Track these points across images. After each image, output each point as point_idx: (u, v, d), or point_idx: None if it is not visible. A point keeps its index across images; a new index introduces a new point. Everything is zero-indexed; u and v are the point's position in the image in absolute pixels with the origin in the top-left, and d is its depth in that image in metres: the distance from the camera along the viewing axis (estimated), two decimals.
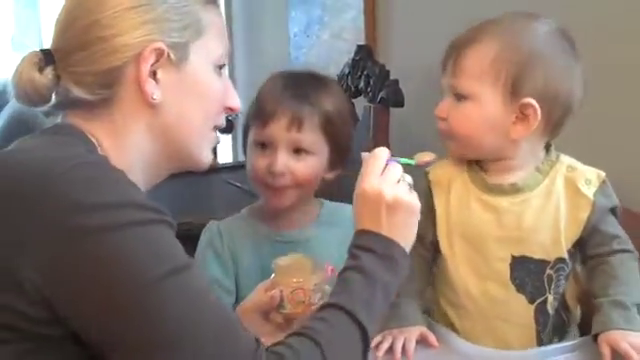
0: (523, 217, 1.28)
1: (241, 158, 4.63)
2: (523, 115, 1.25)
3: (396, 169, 1.19)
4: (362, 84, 2.33)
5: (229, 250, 1.58)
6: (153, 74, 1.09)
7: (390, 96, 2.20)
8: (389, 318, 1.26)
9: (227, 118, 3.12)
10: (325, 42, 3.12)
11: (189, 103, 1.14)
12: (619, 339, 1.17)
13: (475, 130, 1.28)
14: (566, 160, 1.31)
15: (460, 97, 1.29)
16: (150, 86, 1.09)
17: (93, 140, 1.09)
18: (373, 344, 1.19)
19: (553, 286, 1.29)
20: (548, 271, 1.28)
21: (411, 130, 2.42)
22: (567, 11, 1.88)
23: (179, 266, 0.99)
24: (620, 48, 1.74)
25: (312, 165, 1.52)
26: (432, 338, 1.26)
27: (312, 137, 1.51)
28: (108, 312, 0.94)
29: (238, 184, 3.00)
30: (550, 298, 1.29)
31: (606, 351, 1.17)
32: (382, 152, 1.22)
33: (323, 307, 1.12)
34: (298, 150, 1.51)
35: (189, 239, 2.48)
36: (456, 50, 1.31)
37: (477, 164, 1.33)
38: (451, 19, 2.34)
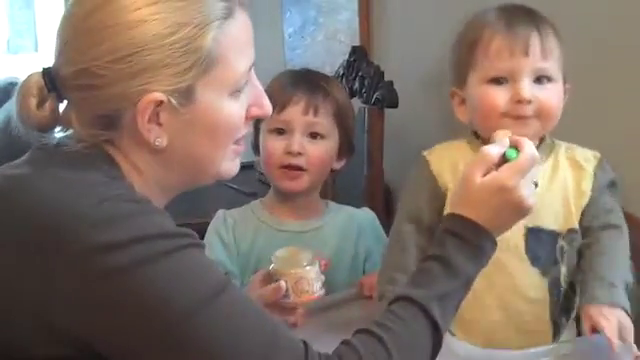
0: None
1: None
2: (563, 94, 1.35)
3: (537, 170, 1.18)
4: (357, 85, 2.33)
5: (233, 236, 1.65)
6: (155, 119, 1.03)
7: (385, 97, 2.20)
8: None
9: None
10: (320, 43, 3.13)
11: (201, 140, 1.07)
12: (597, 313, 1.20)
13: (559, 109, 1.33)
14: (563, 143, 1.39)
15: (544, 79, 1.31)
16: (152, 133, 1.03)
17: (117, 160, 1.06)
18: None
19: (566, 258, 1.32)
20: (560, 242, 1.32)
21: (406, 131, 2.43)
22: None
23: (216, 289, 0.96)
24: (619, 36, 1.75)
25: (325, 149, 1.63)
26: None
27: (326, 122, 1.62)
28: (150, 349, 0.93)
29: (236, 186, 3.00)
30: (563, 270, 1.32)
31: (587, 326, 1.21)
32: (528, 147, 1.17)
33: (397, 299, 1.09)
34: (313, 134, 1.61)
35: None
36: (537, 32, 1.31)
37: (480, 144, 1.33)
38: (445, 20, 2.34)
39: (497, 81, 1.30)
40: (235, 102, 1.08)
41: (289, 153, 1.59)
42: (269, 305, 1.31)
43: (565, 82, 1.35)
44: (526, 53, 1.29)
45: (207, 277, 0.98)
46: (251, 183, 2.42)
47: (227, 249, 1.63)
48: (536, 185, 1.17)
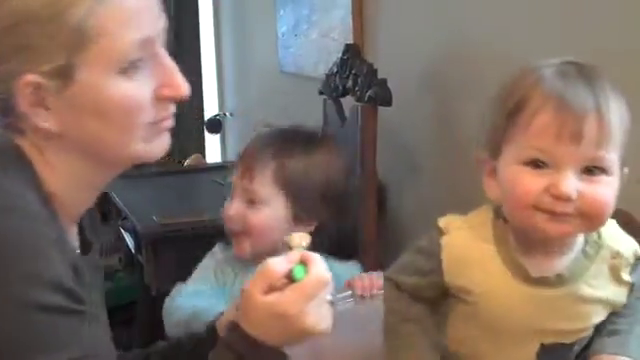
0: (564, 310, 1.14)
1: (229, 158, 4.62)
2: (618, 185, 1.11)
3: (330, 288, 1.06)
4: (350, 83, 2.33)
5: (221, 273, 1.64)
6: (41, 102, 0.96)
7: (378, 95, 2.19)
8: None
9: (215, 118, 3.14)
10: (313, 41, 3.12)
11: (93, 122, 0.99)
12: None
13: (611, 208, 1.08)
14: (607, 238, 1.15)
15: (597, 171, 1.06)
16: (39, 118, 0.97)
17: (29, 157, 1.00)
18: None
19: (580, 356, 1.20)
20: (575, 348, 1.18)
21: (399, 129, 2.42)
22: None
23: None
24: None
25: (263, 216, 1.56)
26: None
27: (262, 189, 1.55)
28: None
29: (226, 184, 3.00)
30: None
31: None
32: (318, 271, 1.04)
33: None
34: (252, 200, 1.56)
35: (178, 240, 2.49)
36: (597, 112, 1.04)
37: (508, 237, 1.14)
38: (439, 18, 2.35)
39: (535, 164, 1.05)
40: (128, 81, 0.98)
41: (227, 218, 1.59)
42: None
43: (623, 167, 1.10)
44: (577, 140, 1.03)
45: (63, 345, 0.91)
46: None
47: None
48: (332, 303, 1.06)
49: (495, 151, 1.11)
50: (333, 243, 1.67)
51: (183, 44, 4.18)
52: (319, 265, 1.03)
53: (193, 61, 4.23)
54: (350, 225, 1.74)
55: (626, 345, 1.15)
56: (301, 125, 1.70)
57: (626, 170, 1.10)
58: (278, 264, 1.02)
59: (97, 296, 1.12)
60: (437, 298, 1.18)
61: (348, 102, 2.37)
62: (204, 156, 4.18)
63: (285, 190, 1.56)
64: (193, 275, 1.67)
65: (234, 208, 1.57)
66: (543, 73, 1.09)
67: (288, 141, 1.61)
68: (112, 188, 3.27)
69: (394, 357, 1.17)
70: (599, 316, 1.15)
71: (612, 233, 1.16)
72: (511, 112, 1.08)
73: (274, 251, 1.56)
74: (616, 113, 1.06)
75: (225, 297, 1.59)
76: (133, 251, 2.87)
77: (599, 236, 1.14)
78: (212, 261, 1.66)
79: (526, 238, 1.11)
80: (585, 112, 1.03)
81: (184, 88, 1.04)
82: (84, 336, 0.94)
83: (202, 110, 4.31)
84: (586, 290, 1.13)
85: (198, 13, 4.22)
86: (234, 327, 1.03)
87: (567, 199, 1.03)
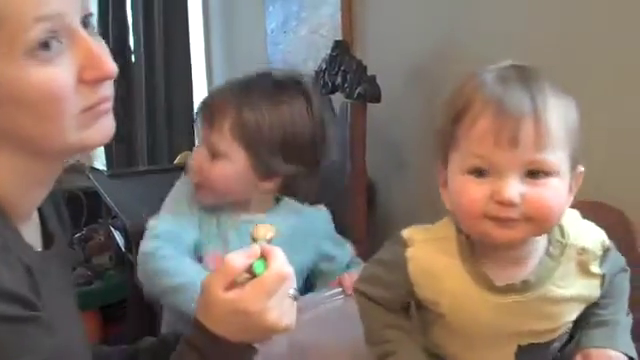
0: (535, 313, 1.14)
1: None
2: (572, 185, 1.10)
3: (292, 282, 1.04)
4: (339, 80, 2.32)
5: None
6: None
7: (367, 92, 2.19)
8: None
9: None
10: (302, 38, 3.12)
11: (17, 116, 0.93)
12: (594, 356, 1.13)
13: (559, 209, 1.07)
14: (571, 235, 1.14)
15: (540, 173, 1.05)
16: None
17: None
18: None
19: (558, 353, 1.21)
20: (555, 345, 1.19)
21: (388, 126, 2.42)
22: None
23: None
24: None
25: (223, 170, 1.52)
26: None
27: (223, 142, 1.51)
28: None
29: None
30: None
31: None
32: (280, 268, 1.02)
33: None
34: (212, 151, 1.52)
35: None
36: (533, 113, 1.03)
37: (473, 250, 1.13)
38: (428, 15, 2.35)
39: (478, 172, 1.05)
40: (42, 66, 0.91)
41: (189, 168, 1.55)
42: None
43: (576, 166, 1.09)
44: (514, 144, 1.02)
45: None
46: None
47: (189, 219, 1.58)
48: (295, 298, 1.04)
49: (444, 160, 1.11)
50: (310, 193, 1.65)
51: (172, 41, 4.17)
52: (279, 259, 1.02)
53: (182, 58, 4.22)
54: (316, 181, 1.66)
55: (614, 337, 1.16)
56: (274, 70, 1.61)
57: (581, 169, 1.10)
58: (237, 259, 1.01)
59: (65, 287, 1.11)
60: (408, 307, 1.19)
61: (337, 99, 2.37)
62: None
63: (243, 143, 1.50)
64: (165, 205, 1.61)
65: (196, 158, 1.54)
66: (484, 79, 1.08)
67: (252, 90, 1.53)
68: (102, 187, 3.27)
69: None
70: (573, 313, 1.15)
71: (576, 228, 1.15)
72: (454, 119, 1.07)
73: (241, 202, 1.57)
74: (557, 114, 1.04)
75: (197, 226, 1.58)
76: (123, 249, 2.87)
77: (562, 234, 1.13)
78: (184, 189, 1.61)
79: (487, 247, 1.10)
80: (521, 116, 1.02)
81: (109, 67, 0.96)
82: (42, 342, 0.92)
83: (192, 107, 4.29)
84: (555, 291, 1.12)
85: (187, 10, 4.22)
86: (195, 324, 1.02)
87: (510, 204, 1.02)
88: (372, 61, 2.34)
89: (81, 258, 3.59)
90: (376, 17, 2.62)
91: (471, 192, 1.05)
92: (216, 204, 1.57)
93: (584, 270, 1.14)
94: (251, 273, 1.01)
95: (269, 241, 1.07)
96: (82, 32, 0.95)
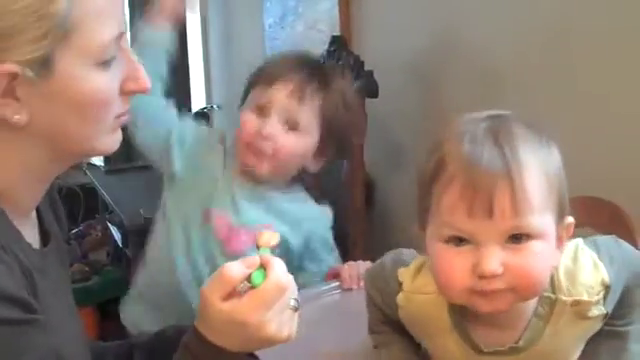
0: None
1: None
2: (561, 237, 1.01)
3: (293, 290, 1.00)
4: None
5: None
6: (11, 93, 0.91)
7: (365, 87, 2.19)
8: None
9: (203, 111, 3.10)
10: (300, 33, 3.11)
11: (67, 115, 0.96)
12: None
13: (544, 273, 1.00)
14: (563, 289, 1.04)
15: (523, 237, 0.96)
16: (9, 109, 0.92)
17: None
18: None
19: None
20: None
21: (385, 121, 2.42)
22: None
23: None
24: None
25: (299, 143, 1.50)
26: None
27: (308, 115, 1.49)
28: None
29: None
30: None
31: None
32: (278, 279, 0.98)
33: None
34: (291, 123, 1.49)
35: None
36: (508, 180, 0.94)
37: (461, 311, 1.07)
38: (425, 10, 2.34)
39: (457, 240, 0.97)
40: (104, 74, 0.96)
41: (259, 135, 1.48)
42: None
43: (564, 218, 1.00)
44: (489, 215, 0.94)
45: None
46: None
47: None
48: (296, 309, 1.00)
49: (423, 223, 1.02)
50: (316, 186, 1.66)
51: None
52: (278, 270, 0.98)
53: (180, 54, 4.21)
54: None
55: (623, 351, 1.11)
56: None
57: (570, 219, 1.01)
58: (235, 269, 0.98)
59: (62, 284, 1.10)
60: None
61: None
62: None
63: (324, 122, 1.50)
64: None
65: (272, 127, 1.48)
66: (456, 138, 0.98)
67: (331, 72, 1.55)
68: (99, 182, 3.26)
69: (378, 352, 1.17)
70: (574, 353, 1.10)
71: (571, 276, 1.05)
72: (429, 182, 0.99)
73: (283, 177, 1.56)
74: (535, 173, 0.96)
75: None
76: (120, 245, 2.87)
77: (553, 289, 1.04)
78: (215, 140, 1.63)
79: (474, 311, 1.03)
80: (494, 183, 0.93)
81: (146, 82, 1.03)
82: (41, 343, 0.92)
83: (189, 103, 4.29)
84: (548, 348, 1.06)
85: (185, 4, 4.21)
86: (195, 332, 1.00)
87: (493, 277, 0.95)
88: (369, 56, 2.34)
89: (78, 254, 3.59)
90: (373, 12, 2.62)
91: (453, 264, 0.97)
92: (270, 176, 1.55)
93: (581, 317, 1.05)
94: (250, 283, 0.98)
95: (273, 248, 1.06)
96: (128, 47, 1.01)
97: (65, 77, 0.93)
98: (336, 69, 1.59)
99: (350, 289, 1.47)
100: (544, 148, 0.98)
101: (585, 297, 1.03)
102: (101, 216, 3.71)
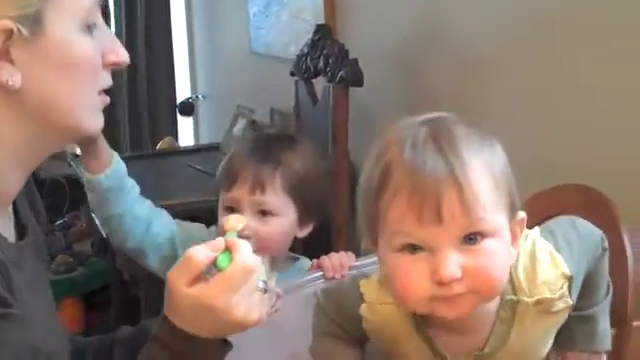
0: None
1: (202, 141, 4.59)
2: (514, 233, 1.00)
3: (260, 272, 0.99)
4: (321, 64, 2.31)
5: None
6: (6, 55, 0.92)
7: (349, 75, 2.18)
8: None
9: (188, 100, 3.11)
10: (284, 22, 3.10)
11: (57, 78, 0.96)
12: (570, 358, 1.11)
13: (504, 269, 0.98)
14: (523, 289, 1.03)
15: (478, 236, 0.95)
16: (3, 72, 0.92)
17: None
18: None
19: None
20: None
21: (371, 109, 2.42)
22: None
23: None
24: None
25: (277, 227, 1.51)
26: None
27: (276, 199, 1.51)
28: None
29: (199, 167, 2.98)
30: None
31: None
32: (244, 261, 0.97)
33: None
34: (263, 212, 1.50)
35: None
36: (453, 181, 0.92)
37: (424, 320, 1.06)
38: None
39: (412, 247, 0.95)
40: (89, 39, 0.97)
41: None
42: None
43: (515, 214, 0.99)
44: (438, 221, 0.92)
45: None
46: (215, 164, 2.38)
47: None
48: (265, 290, 0.99)
49: (373, 239, 1.00)
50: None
51: (154, 26, 4.15)
52: (244, 252, 0.97)
53: (164, 43, 4.19)
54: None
55: (594, 336, 1.12)
56: (271, 128, 1.69)
57: (522, 215, 1.00)
58: (201, 253, 0.97)
59: (39, 278, 1.09)
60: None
61: (319, 83, 2.36)
62: (177, 139, 4.15)
63: (294, 196, 1.52)
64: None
65: (249, 226, 1.51)
66: (394, 153, 0.96)
67: (278, 146, 1.56)
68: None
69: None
70: (545, 346, 1.10)
71: (530, 276, 1.03)
72: (375, 196, 0.96)
73: (281, 256, 1.57)
74: (481, 173, 0.94)
75: None
76: (105, 236, 2.85)
77: (514, 290, 1.03)
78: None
79: (437, 318, 1.02)
80: (440, 188, 0.91)
81: (125, 54, 1.02)
82: (16, 337, 0.91)
83: (174, 93, 4.27)
84: (516, 348, 1.05)
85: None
86: (163, 320, 0.98)
87: (452, 282, 0.93)
88: (354, 45, 2.33)
89: (63, 245, 3.57)
90: (358, 1, 2.61)
91: (410, 273, 0.95)
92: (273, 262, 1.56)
93: (547, 312, 1.04)
94: (216, 267, 0.97)
95: (241, 232, 1.05)
96: (102, 21, 1.01)
97: (56, 38, 0.94)
98: (284, 141, 1.59)
99: (333, 278, 1.47)
100: (487, 148, 0.97)
101: (547, 295, 1.03)
102: (85, 207, 3.69)
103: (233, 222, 1.05)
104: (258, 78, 3.37)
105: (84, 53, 0.96)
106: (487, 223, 0.94)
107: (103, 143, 1.52)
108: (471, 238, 0.94)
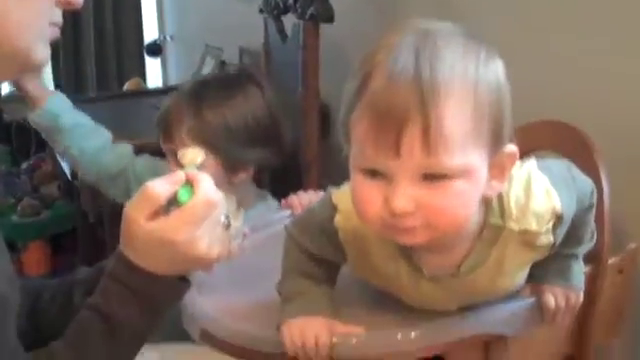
0: (476, 291, 1.06)
1: (170, 82, 4.53)
2: (501, 167, 0.94)
3: (223, 207, 0.97)
4: (291, 0, 2.25)
5: None
6: None
7: (320, 12, 2.12)
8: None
9: (155, 42, 3.06)
10: None
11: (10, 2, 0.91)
12: (544, 290, 1.10)
13: (467, 209, 0.92)
14: (511, 217, 0.99)
15: (437, 177, 0.88)
16: None
17: None
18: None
19: None
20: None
21: (342, 46, 2.36)
22: None
23: None
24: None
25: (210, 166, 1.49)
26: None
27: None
28: None
29: None
30: None
31: (526, 292, 1.10)
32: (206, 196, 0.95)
33: None
34: (181, 164, 1.49)
35: None
36: (419, 117, 0.84)
37: None
38: None
39: (372, 172, 0.90)
40: None
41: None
42: None
43: (500, 149, 0.92)
44: (396, 152, 0.86)
45: None
46: None
47: None
48: (228, 225, 0.98)
49: (347, 147, 0.94)
50: (277, 170, 1.66)
51: None
52: (206, 185, 0.95)
53: None
54: (291, 148, 1.70)
55: (568, 272, 1.12)
56: (221, 72, 1.68)
57: (512, 148, 0.93)
58: (160, 187, 0.93)
59: None
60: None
61: (289, 20, 2.30)
62: (145, 80, 4.09)
63: (208, 146, 1.48)
64: None
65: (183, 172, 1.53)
66: (376, 64, 0.88)
67: (200, 94, 1.56)
68: None
69: (287, 301, 1.10)
70: (520, 277, 1.08)
71: (522, 203, 1.00)
72: (348, 107, 0.91)
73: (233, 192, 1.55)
74: (457, 105, 0.85)
75: None
76: (70, 178, 2.81)
77: (502, 214, 0.99)
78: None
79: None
80: (404, 119, 0.84)
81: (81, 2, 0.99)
82: None
83: (141, 33, 4.21)
84: (492, 270, 1.03)
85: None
86: (119, 257, 0.95)
87: (402, 215, 0.88)
88: None
89: (28, 188, 3.52)
90: None
91: (365, 197, 0.91)
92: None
93: (529, 245, 1.02)
94: (176, 201, 0.93)
95: (199, 166, 1.01)
96: None
97: None
98: (219, 90, 1.60)
99: None
100: (480, 66, 0.89)
101: (534, 226, 0.99)
102: (50, 149, 3.63)
103: (191, 155, 1.01)
104: (227, 17, 3.30)
105: None
106: (452, 165, 0.87)
107: (37, 83, 1.56)
108: (432, 177, 0.88)
